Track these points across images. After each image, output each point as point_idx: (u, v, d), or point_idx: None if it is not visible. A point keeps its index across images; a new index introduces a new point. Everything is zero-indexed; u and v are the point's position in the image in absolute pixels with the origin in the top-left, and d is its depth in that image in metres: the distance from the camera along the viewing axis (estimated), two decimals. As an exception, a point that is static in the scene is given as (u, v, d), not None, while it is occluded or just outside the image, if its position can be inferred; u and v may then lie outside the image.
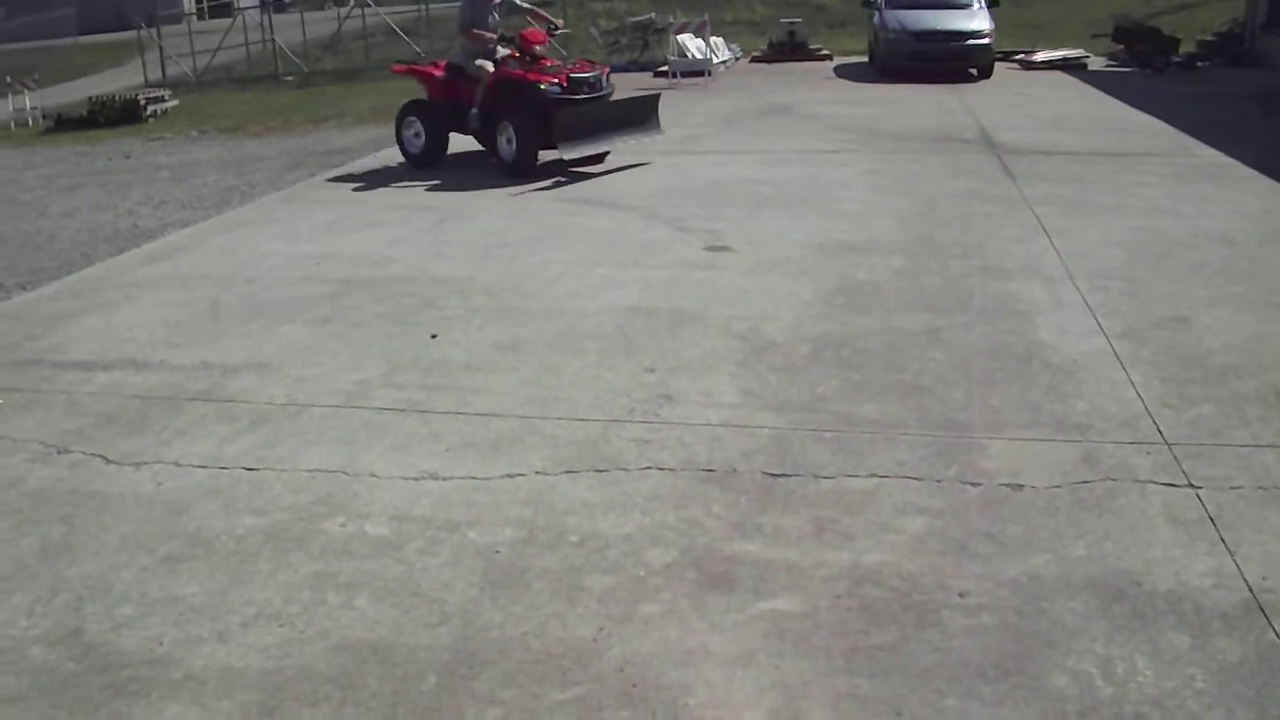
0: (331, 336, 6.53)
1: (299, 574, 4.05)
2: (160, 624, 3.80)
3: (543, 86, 10.90)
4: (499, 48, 11.38)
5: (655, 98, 12.20)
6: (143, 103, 20.51)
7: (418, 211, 9.87)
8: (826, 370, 5.59)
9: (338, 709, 3.36)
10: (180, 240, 9.28)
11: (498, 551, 4.11)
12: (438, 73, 12.04)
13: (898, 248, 7.76)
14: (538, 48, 11.46)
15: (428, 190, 10.85)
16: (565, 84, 11.03)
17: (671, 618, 3.67)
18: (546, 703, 3.31)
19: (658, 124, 11.95)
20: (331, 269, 8.02)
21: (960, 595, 3.69)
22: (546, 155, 11.29)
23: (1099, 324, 6.07)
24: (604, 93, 11.57)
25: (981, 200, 9.17)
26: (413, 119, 12.01)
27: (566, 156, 10.93)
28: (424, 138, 11.95)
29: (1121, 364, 5.51)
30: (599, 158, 11.64)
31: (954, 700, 3.21)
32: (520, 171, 11.11)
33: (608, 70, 12.03)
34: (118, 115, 19.97)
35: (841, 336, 6.02)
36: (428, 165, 11.95)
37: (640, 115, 11.88)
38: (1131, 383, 5.28)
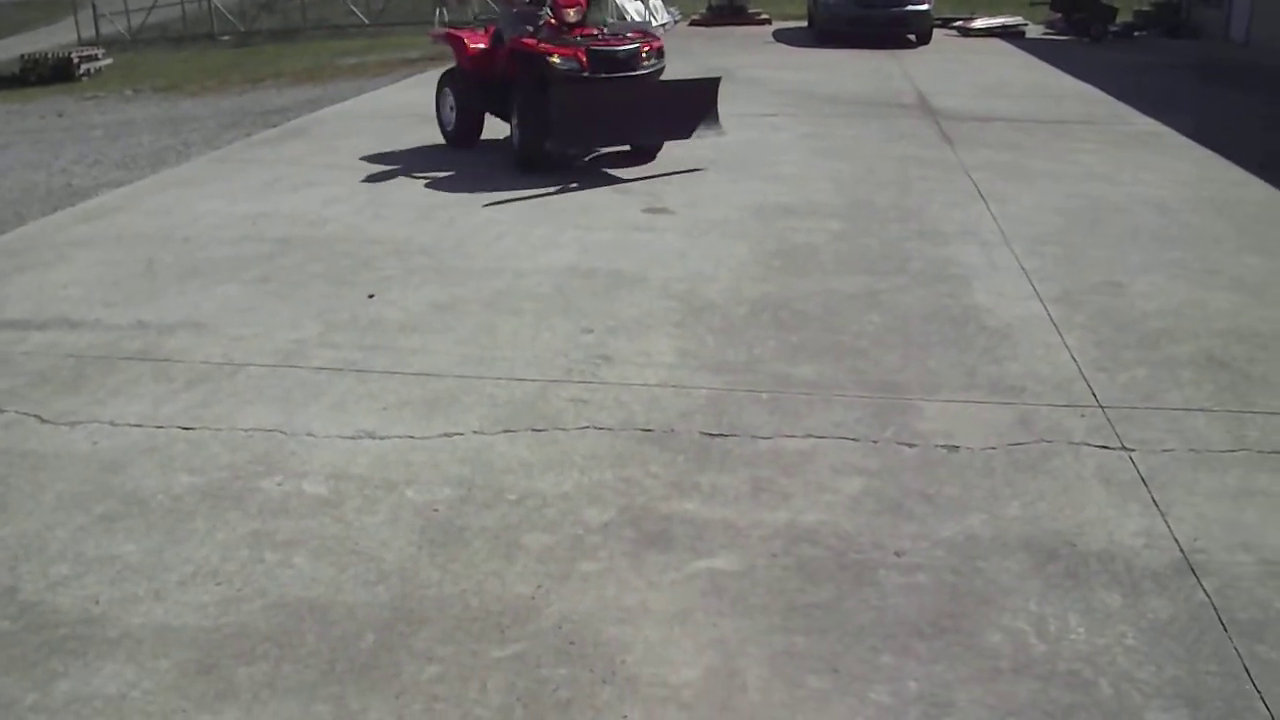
0: (268, 296, 6.39)
1: (236, 532, 3.96)
2: (96, 583, 3.69)
3: (554, 60, 8.66)
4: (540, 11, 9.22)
5: (714, 82, 9.24)
6: (76, 61, 19.97)
7: (354, 172, 9.68)
8: (764, 332, 5.56)
9: (275, 666, 3.29)
10: (115, 200, 9.01)
11: (435, 510, 4.05)
12: (474, 41, 10.04)
13: (836, 211, 7.74)
14: (570, 12, 9.16)
15: (361, 155, 10.64)
16: (585, 59, 8.72)
17: (609, 576, 3.64)
18: (485, 660, 3.26)
19: (716, 118, 9.16)
20: (268, 228, 7.84)
21: (896, 554, 3.70)
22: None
23: (1035, 288, 6.10)
24: (643, 72, 9.03)
25: (919, 165, 9.19)
26: (447, 90, 10.33)
27: (555, 150, 8.88)
28: (455, 113, 10.25)
29: (1056, 328, 5.54)
30: (645, 154, 9.59)
31: (890, 657, 3.21)
32: (526, 164, 9.20)
33: (658, 45, 9.26)
34: (50, 73, 19.45)
35: (779, 298, 6.00)
36: (461, 145, 10.33)
37: (690, 105, 9.09)
38: (1066, 346, 5.31)
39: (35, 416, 4.90)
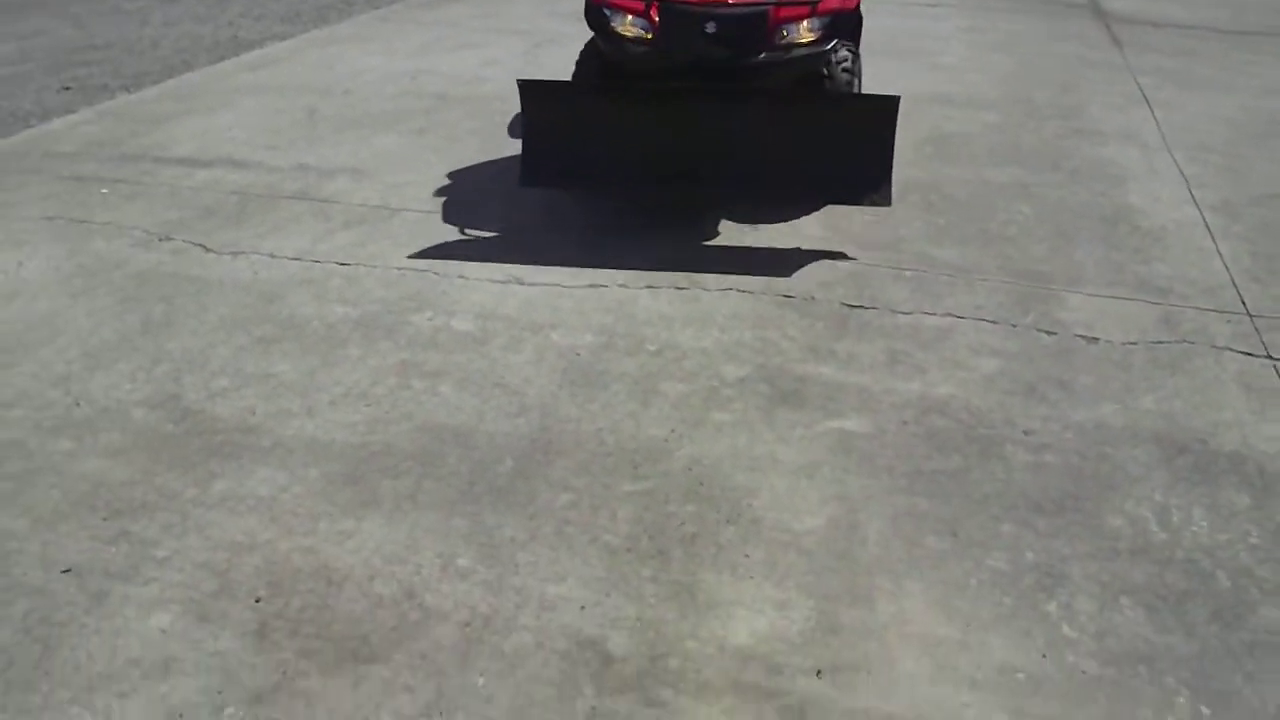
0: (425, 148, 6.52)
1: (386, 361, 4.14)
2: (253, 396, 3.92)
3: (612, 21, 5.29)
4: None
5: (889, 105, 4.84)
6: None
7: (513, 36, 9.71)
8: (911, 213, 5.49)
9: (417, 482, 3.47)
10: (279, 52, 9.22)
11: (578, 354, 4.16)
12: None
13: (993, 104, 7.49)
14: None
15: (520, 20, 10.64)
16: (654, 25, 5.13)
17: (741, 426, 3.71)
18: (616, 492, 3.39)
19: (886, 178, 4.93)
20: (426, 85, 7.96)
21: (1025, 433, 3.68)
22: None
23: (1193, 195, 5.85)
24: (750, 63, 5.10)
25: (1084, 65, 8.79)
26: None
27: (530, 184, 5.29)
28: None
29: (1211, 234, 5.33)
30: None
31: (1010, 527, 3.24)
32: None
33: (835, 5, 5.19)
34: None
35: (928, 183, 5.89)
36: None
37: (843, 146, 4.92)
38: (1220, 254, 5.12)
39: (201, 246, 5.15)
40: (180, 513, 3.34)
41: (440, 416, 3.80)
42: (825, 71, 5.28)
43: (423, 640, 2.85)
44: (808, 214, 5.47)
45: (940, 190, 5.77)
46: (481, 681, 2.72)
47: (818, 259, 4.95)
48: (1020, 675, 2.72)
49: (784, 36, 5.11)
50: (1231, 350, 4.25)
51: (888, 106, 4.81)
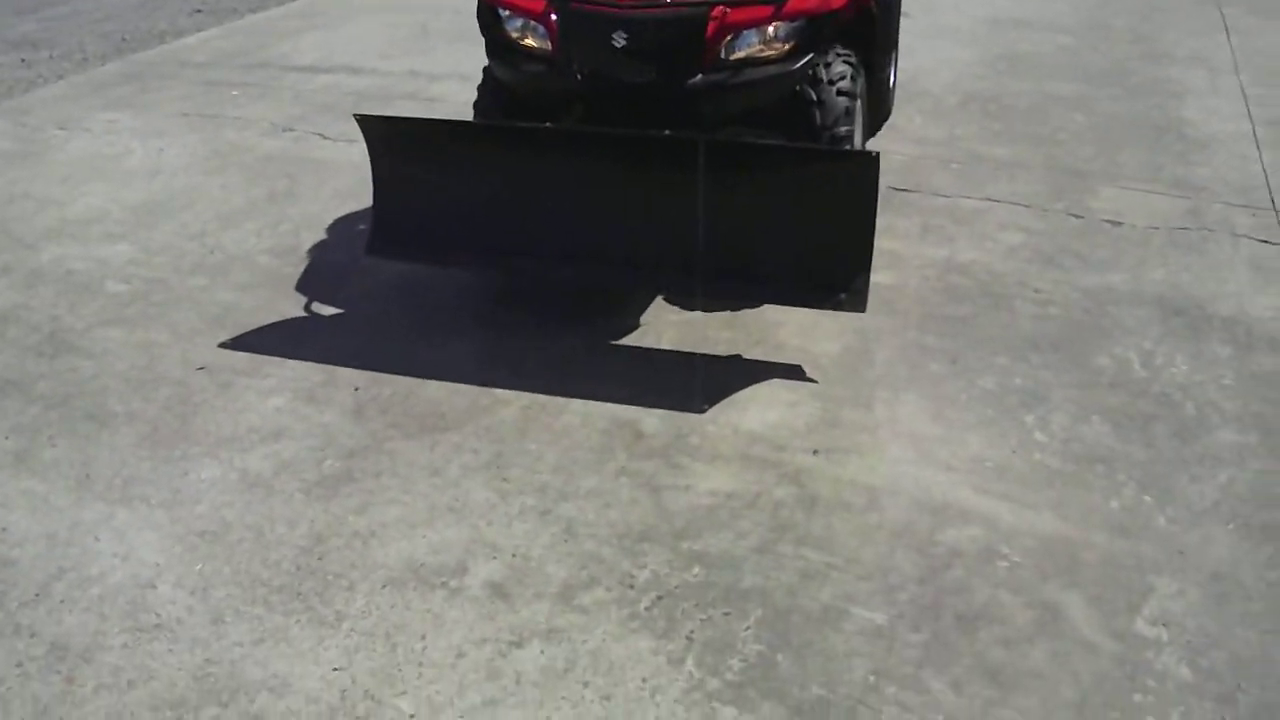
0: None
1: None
2: (360, 248, 4.45)
3: (505, 25, 4.11)
4: None
5: (868, 165, 3.36)
6: None
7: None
8: (969, 118, 5.88)
9: (491, 311, 4.06)
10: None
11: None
12: None
13: (1068, 28, 7.76)
14: None
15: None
16: (553, 35, 3.93)
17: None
18: (664, 320, 3.94)
19: (847, 282, 3.51)
20: (533, 7, 8.53)
21: (1035, 291, 4.11)
22: None
23: (1249, 111, 6.10)
24: (682, 88, 3.81)
25: (1172, -3, 8.96)
26: None
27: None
28: None
29: (1258, 144, 5.60)
30: None
31: (1005, 360, 3.69)
32: None
33: (768, 13, 3.79)
34: None
35: (991, 94, 6.26)
36: None
37: (801, 220, 3.57)
38: (1261, 160, 5.39)
39: (319, 134, 5.82)
40: (296, 329, 4.00)
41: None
42: (811, 95, 3.92)
43: (489, 418, 3.45)
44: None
45: (1001, 100, 6.15)
46: (534, 447, 3.31)
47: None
48: (989, 464, 3.19)
49: (732, 51, 3.77)
50: (1250, 238, 4.58)
51: (864, 168, 3.33)
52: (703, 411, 3.44)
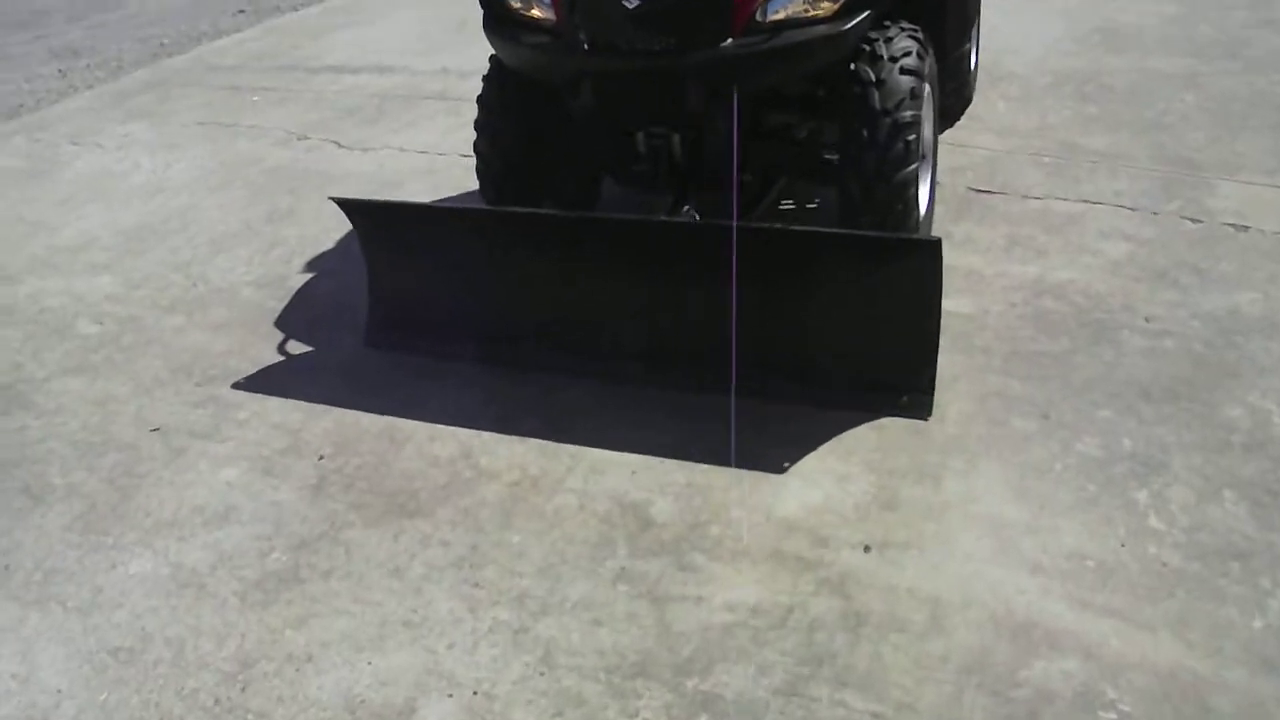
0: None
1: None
2: (355, 274, 3.80)
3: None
4: None
5: (930, 251, 2.69)
6: None
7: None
8: (1062, 102, 4.98)
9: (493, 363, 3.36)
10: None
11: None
12: None
13: (1176, -6, 6.74)
14: None
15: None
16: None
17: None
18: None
19: (910, 383, 2.90)
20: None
21: (1146, 319, 3.26)
22: None
23: (1392, 84, 5.11)
24: (708, 57, 3.03)
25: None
26: None
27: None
28: None
29: None
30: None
31: (1109, 413, 2.86)
32: None
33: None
34: None
35: (1087, 73, 5.33)
36: None
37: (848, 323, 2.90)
38: None
39: (334, 142, 5.19)
40: (266, 378, 3.35)
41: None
42: (869, 74, 3.15)
43: (468, 497, 2.75)
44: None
45: (1099, 80, 5.21)
46: (517, 539, 2.60)
47: (952, 145, 4.53)
48: (1090, 563, 2.39)
49: (769, 11, 3.03)
50: None
51: (926, 257, 2.69)
52: (727, 483, 2.70)
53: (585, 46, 3.09)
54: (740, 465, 2.75)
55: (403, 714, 2.19)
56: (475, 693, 2.21)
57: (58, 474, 3.02)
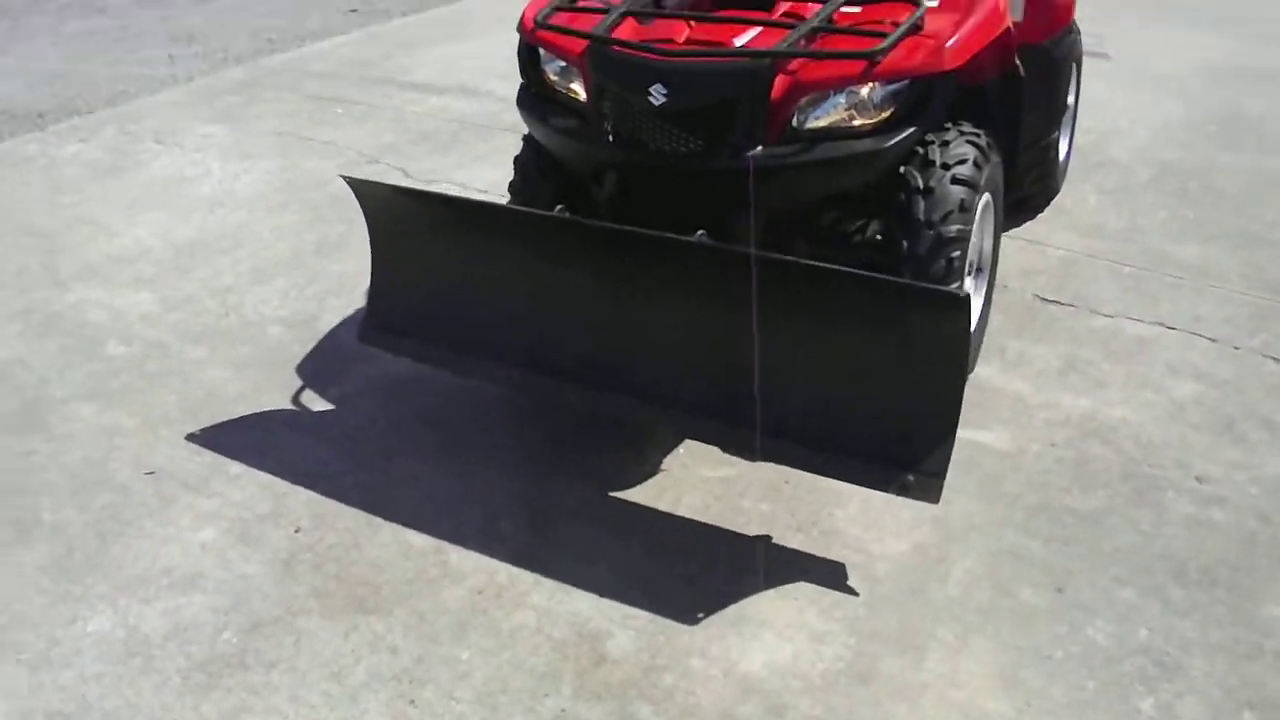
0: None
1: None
2: None
3: (545, 68, 3.28)
4: None
5: (956, 306, 2.35)
6: None
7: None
8: (1160, 200, 4.60)
9: (502, 434, 3.21)
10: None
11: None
12: None
13: (1317, 83, 6.23)
14: None
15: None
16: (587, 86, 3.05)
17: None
18: (697, 476, 3.00)
19: (922, 457, 2.47)
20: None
21: (1198, 479, 2.95)
22: None
23: None
24: (737, 163, 2.83)
25: None
26: None
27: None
28: None
29: None
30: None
31: (1132, 593, 2.57)
32: None
33: (858, 70, 2.78)
34: None
35: (1195, 168, 4.93)
36: None
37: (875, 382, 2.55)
38: None
39: (401, 170, 5.10)
40: (269, 431, 3.27)
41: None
42: (917, 180, 2.91)
43: (429, 600, 2.61)
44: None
45: (1206, 178, 4.82)
46: (466, 656, 2.45)
47: (1028, 242, 4.23)
48: (1072, 783, 2.14)
49: (807, 119, 2.83)
50: None
51: (950, 313, 2.38)
52: (695, 623, 2.51)
53: (610, 139, 2.90)
54: (715, 604, 2.55)
55: (307, 844, 2.07)
56: (383, 833, 2.09)
57: (49, 509, 2.99)
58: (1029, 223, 4.34)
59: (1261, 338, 3.60)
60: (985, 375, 3.39)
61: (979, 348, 3.39)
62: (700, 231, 2.71)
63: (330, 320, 3.81)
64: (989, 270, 3.36)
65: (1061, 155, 4.38)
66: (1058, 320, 3.71)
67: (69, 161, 5.26)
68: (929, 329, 2.41)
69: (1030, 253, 4.14)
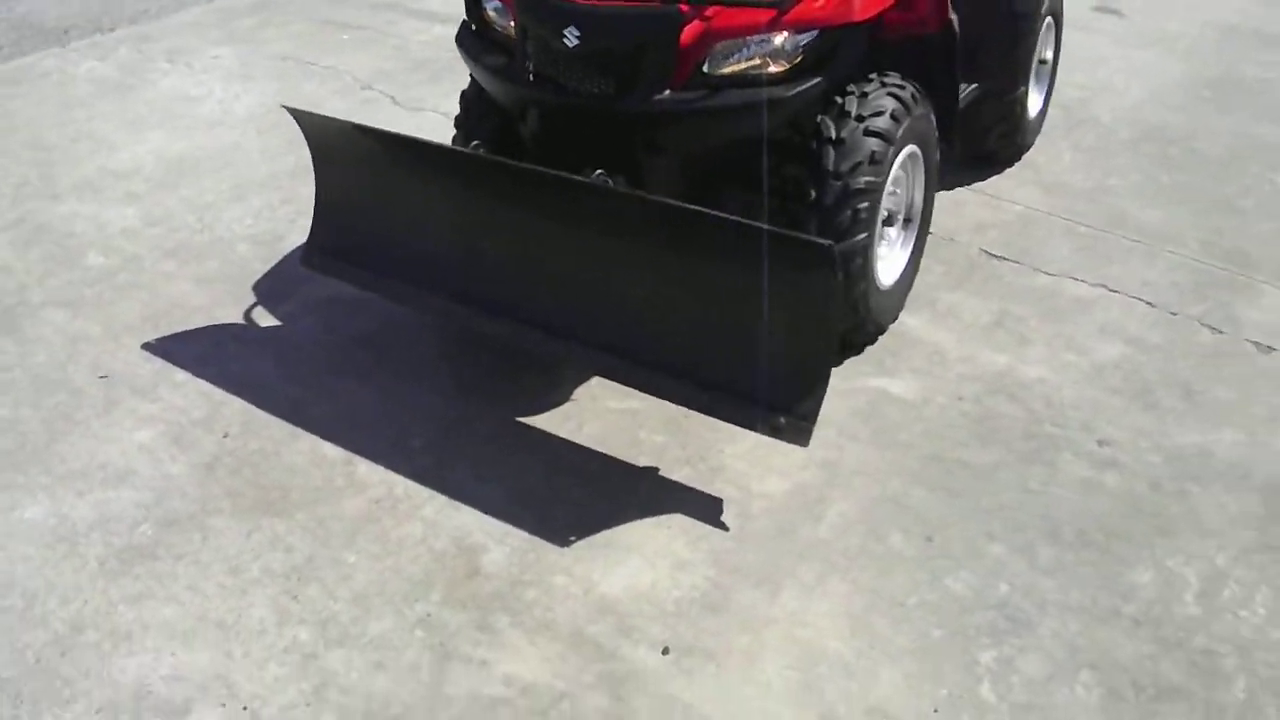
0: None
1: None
2: None
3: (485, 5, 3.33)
4: None
5: (822, 256, 2.42)
6: None
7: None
8: (1135, 162, 4.53)
9: (445, 354, 3.34)
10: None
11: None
12: None
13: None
14: None
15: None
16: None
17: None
18: (600, 406, 3.10)
19: (792, 402, 2.58)
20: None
21: (1099, 443, 2.98)
22: None
23: None
24: (646, 107, 2.88)
25: None
26: None
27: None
28: None
29: None
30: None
31: (1000, 549, 2.63)
32: None
33: (767, 18, 2.83)
34: None
35: (1180, 132, 4.82)
36: None
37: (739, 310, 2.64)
38: None
39: (391, 98, 5.19)
40: (218, 342, 3.43)
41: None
42: (830, 130, 2.94)
43: (329, 507, 2.76)
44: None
45: (1189, 142, 4.72)
46: (352, 559, 2.61)
47: (990, 197, 4.21)
48: (890, 721, 2.22)
49: (716, 65, 2.86)
50: None
51: (817, 260, 2.43)
52: (567, 544, 2.63)
53: (530, 78, 2.98)
54: (591, 528, 2.67)
55: (178, 714, 2.24)
56: (245, 708, 2.26)
57: (8, 405, 3.18)
58: (995, 178, 4.32)
59: (1203, 306, 3.58)
60: (910, 325, 3.43)
61: (904, 297, 3.43)
62: (598, 171, 2.80)
63: (295, 240, 3.94)
64: (919, 221, 3.38)
65: (1033, 112, 4.33)
66: (999, 276, 3.72)
67: (83, 78, 5.43)
68: (797, 278, 2.48)
69: (989, 208, 4.14)
